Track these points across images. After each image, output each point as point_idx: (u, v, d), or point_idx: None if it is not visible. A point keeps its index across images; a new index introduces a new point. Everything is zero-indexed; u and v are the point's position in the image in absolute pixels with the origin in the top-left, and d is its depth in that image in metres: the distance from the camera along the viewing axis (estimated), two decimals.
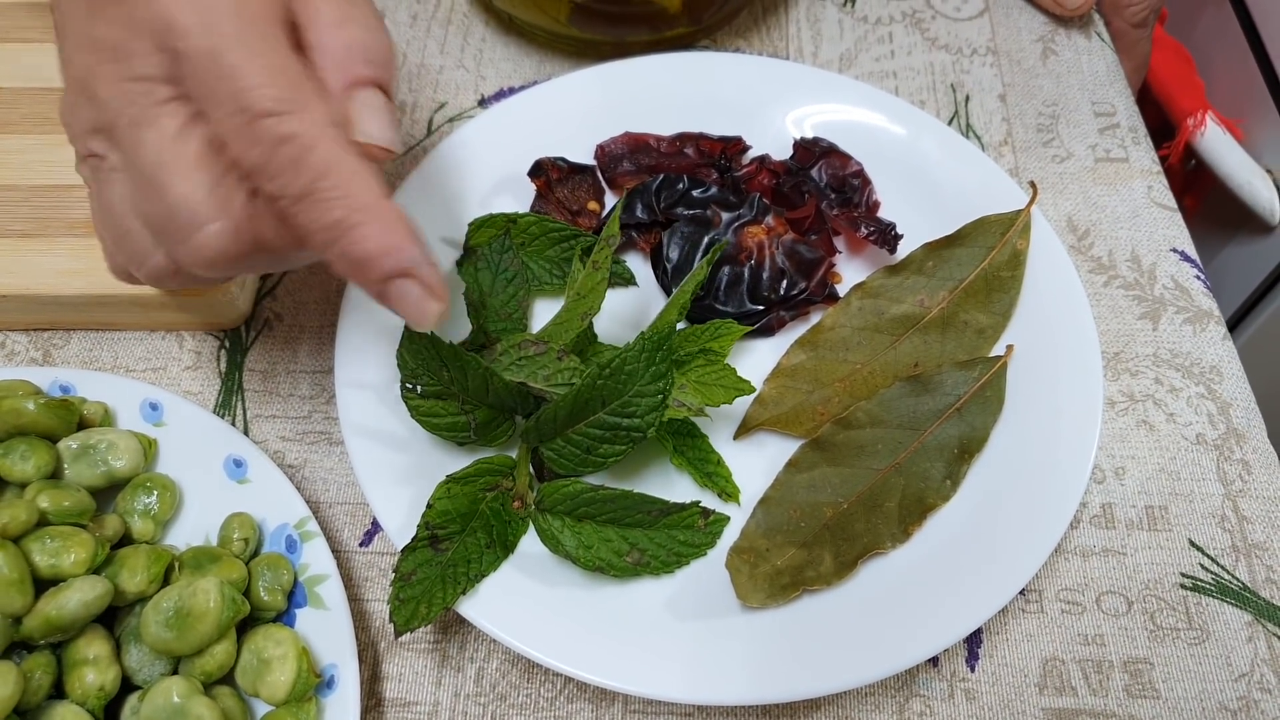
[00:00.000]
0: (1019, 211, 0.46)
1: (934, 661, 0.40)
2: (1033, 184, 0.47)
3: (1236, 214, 0.74)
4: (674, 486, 0.43)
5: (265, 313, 0.48)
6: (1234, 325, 0.79)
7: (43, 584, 0.35)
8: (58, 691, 0.35)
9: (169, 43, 0.30)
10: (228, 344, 0.47)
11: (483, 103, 0.55)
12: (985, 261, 0.46)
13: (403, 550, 0.37)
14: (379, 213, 0.31)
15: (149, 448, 0.41)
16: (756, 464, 0.43)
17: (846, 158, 0.50)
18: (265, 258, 0.33)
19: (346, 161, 0.31)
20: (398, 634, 0.36)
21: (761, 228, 0.47)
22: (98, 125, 0.33)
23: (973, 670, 0.40)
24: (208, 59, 0.30)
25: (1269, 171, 0.72)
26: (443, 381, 0.38)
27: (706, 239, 0.47)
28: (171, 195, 0.31)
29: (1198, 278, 0.50)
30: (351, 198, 0.31)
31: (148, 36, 0.31)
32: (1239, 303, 0.77)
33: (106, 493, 0.40)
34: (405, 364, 0.38)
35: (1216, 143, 0.73)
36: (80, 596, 0.34)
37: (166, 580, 0.37)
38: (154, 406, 0.42)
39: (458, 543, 0.38)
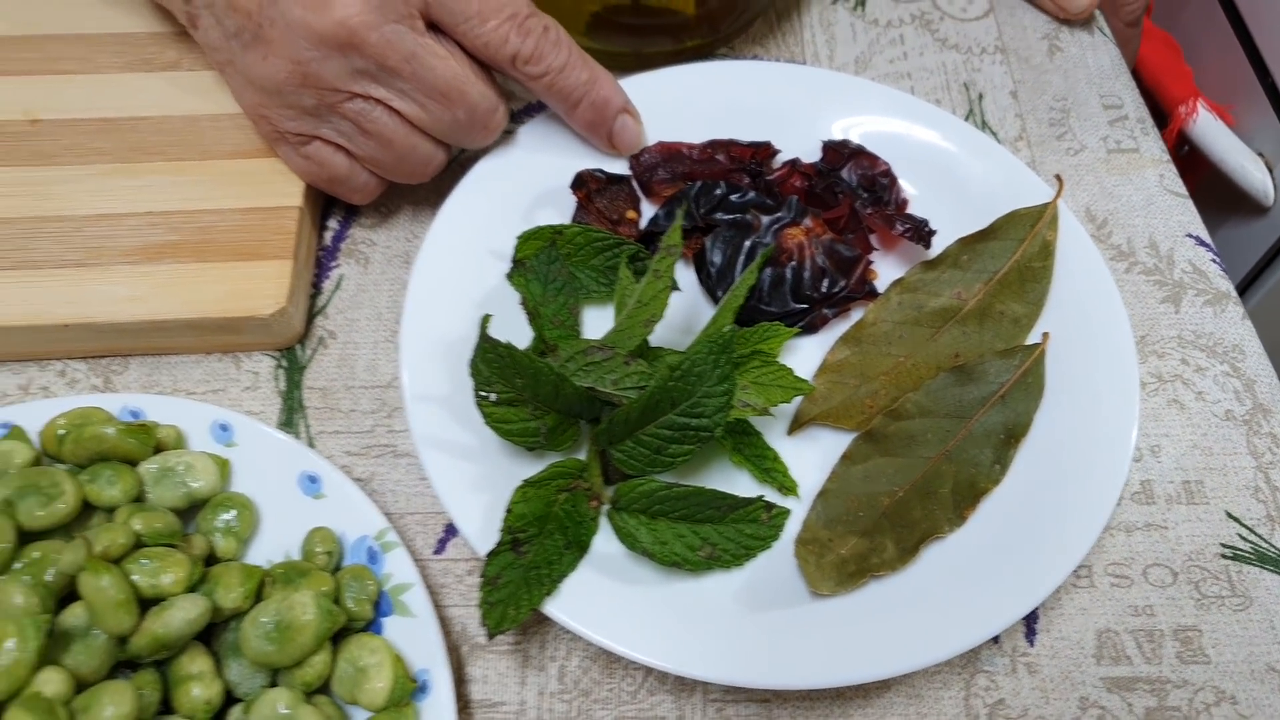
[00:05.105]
0: (1046, 204, 0.48)
1: (995, 638, 0.42)
2: (1058, 177, 0.48)
3: (1230, 197, 0.77)
4: (734, 483, 0.44)
5: (319, 331, 0.49)
6: None
7: (143, 604, 0.36)
8: (164, 707, 0.36)
9: None
10: (285, 363, 0.48)
11: (513, 117, 0.57)
12: (1017, 253, 0.47)
13: (487, 555, 0.39)
14: (605, 72, 0.48)
15: (223, 468, 0.42)
16: (811, 458, 0.45)
17: (874, 158, 0.51)
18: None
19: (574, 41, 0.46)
20: (490, 636, 0.37)
21: (800, 229, 0.49)
22: (362, 70, 0.42)
23: (1032, 645, 0.42)
24: None
25: (1260, 155, 0.75)
26: (515, 389, 0.40)
27: (748, 242, 0.48)
28: (472, 97, 0.44)
29: (1213, 261, 0.52)
30: (591, 65, 0.47)
31: None
32: (1235, 282, 0.79)
33: (185, 513, 0.41)
34: (480, 374, 0.39)
35: (1209, 129, 0.76)
36: (183, 615, 0.35)
37: (258, 596, 0.38)
38: (224, 428, 0.43)
39: (537, 545, 0.39)
